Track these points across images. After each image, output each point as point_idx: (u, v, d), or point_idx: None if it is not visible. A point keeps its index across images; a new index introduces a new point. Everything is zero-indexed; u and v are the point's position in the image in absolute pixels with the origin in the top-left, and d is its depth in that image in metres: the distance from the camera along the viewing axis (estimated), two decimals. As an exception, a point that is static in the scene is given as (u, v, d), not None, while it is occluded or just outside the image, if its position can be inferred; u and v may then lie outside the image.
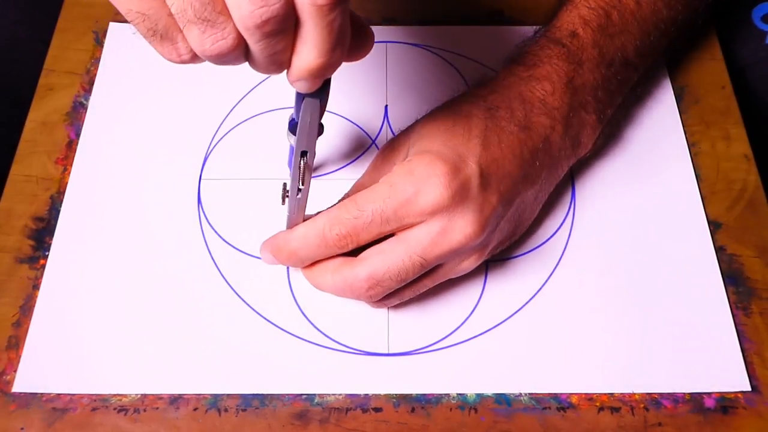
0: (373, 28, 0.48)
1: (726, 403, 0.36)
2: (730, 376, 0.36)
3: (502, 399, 0.36)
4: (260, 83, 0.46)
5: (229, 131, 0.44)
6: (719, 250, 0.40)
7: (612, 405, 0.36)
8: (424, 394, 0.36)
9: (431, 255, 0.32)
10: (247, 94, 0.45)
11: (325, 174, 0.42)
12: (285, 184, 0.34)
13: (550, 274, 0.39)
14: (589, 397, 0.36)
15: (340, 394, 0.36)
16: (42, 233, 0.40)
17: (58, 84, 0.45)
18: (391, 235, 0.33)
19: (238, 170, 0.42)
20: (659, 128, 0.44)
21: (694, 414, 0.35)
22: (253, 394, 0.36)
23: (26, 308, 0.38)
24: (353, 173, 0.42)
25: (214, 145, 0.43)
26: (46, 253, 0.39)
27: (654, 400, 0.36)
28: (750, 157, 0.43)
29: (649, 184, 0.42)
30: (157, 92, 0.45)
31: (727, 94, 0.46)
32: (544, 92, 0.36)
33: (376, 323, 0.38)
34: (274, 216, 0.41)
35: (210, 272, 0.39)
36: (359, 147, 0.43)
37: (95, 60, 0.47)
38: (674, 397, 0.36)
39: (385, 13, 0.49)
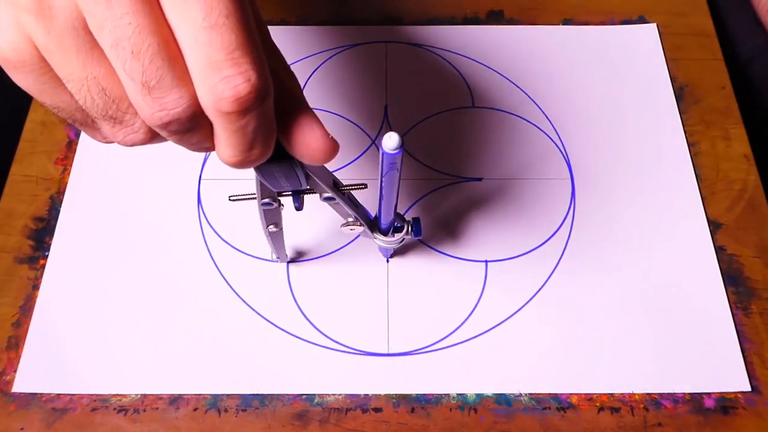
0: (374, 27, 0.48)
1: (726, 403, 0.36)
2: (730, 376, 0.36)
3: (502, 399, 0.36)
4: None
5: (229, 131, 0.44)
6: (719, 250, 0.40)
7: (612, 405, 0.36)
8: (424, 394, 0.36)
9: None
10: (247, 94, 0.45)
11: (325, 174, 0.42)
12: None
13: (550, 274, 0.39)
14: (589, 397, 0.36)
15: (340, 394, 0.36)
16: (42, 233, 0.40)
17: (58, 84, 0.45)
18: None
19: (238, 170, 0.42)
20: (659, 128, 0.44)
21: (694, 414, 0.35)
22: (253, 395, 0.36)
23: (26, 308, 0.38)
24: (353, 173, 0.42)
25: (214, 145, 0.43)
26: (46, 254, 0.39)
27: (654, 400, 0.36)
28: (750, 157, 0.43)
29: (649, 184, 0.42)
30: (157, 92, 0.45)
31: (727, 94, 0.46)
32: None
33: (376, 323, 0.38)
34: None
35: (210, 272, 0.39)
36: (359, 147, 0.43)
37: (95, 60, 0.46)
38: (674, 397, 0.36)
39: (385, 13, 0.49)
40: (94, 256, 0.39)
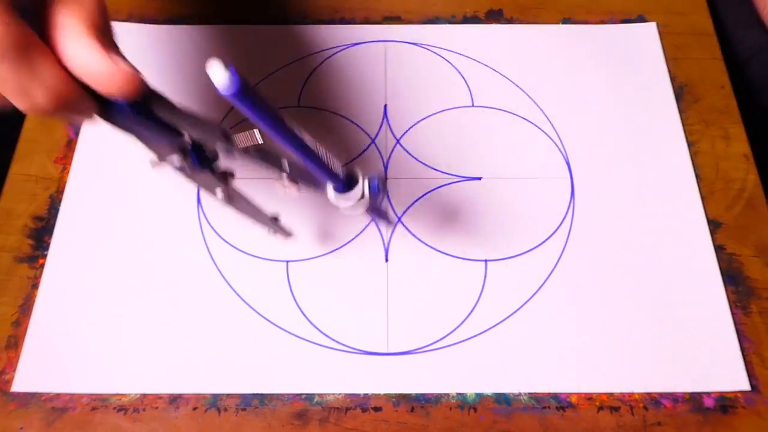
0: (374, 26, 0.48)
1: (725, 403, 0.36)
2: (730, 375, 0.36)
3: (501, 399, 0.36)
4: (259, 82, 0.46)
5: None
6: (719, 249, 0.40)
7: (611, 404, 0.36)
8: (424, 394, 0.36)
9: None
10: (247, 93, 0.45)
11: (325, 173, 0.42)
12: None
13: (550, 274, 0.39)
14: (589, 397, 0.36)
15: (340, 394, 0.36)
16: (41, 233, 0.40)
17: (57, 83, 0.45)
18: None
19: (238, 170, 0.42)
20: (659, 128, 0.44)
21: (693, 413, 0.35)
22: (253, 394, 0.36)
23: (25, 308, 0.38)
24: (353, 173, 0.42)
25: (214, 145, 0.43)
26: (46, 253, 0.39)
27: (653, 400, 0.36)
28: (749, 156, 0.43)
29: (649, 183, 0.42)
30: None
31: (726, 93, 0.46)
32: None
33: (376, 323, 0.38)
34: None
35: (210, 272, 0.39)
36: (359, 146, 0.43)
37: (94, 59, 0.46)
38: (674, 397, 0.36)
39: (385, 12, 0.49)
40: (93, 256, 0.39)
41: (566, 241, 0.40)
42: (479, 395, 0.36)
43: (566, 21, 0.49)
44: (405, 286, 0.39)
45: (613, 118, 0.44)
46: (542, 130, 0.44)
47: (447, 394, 0.36)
